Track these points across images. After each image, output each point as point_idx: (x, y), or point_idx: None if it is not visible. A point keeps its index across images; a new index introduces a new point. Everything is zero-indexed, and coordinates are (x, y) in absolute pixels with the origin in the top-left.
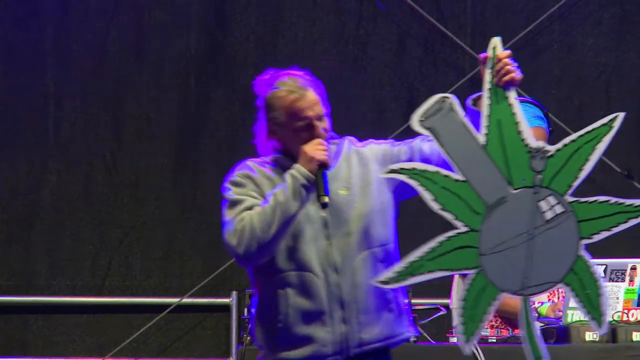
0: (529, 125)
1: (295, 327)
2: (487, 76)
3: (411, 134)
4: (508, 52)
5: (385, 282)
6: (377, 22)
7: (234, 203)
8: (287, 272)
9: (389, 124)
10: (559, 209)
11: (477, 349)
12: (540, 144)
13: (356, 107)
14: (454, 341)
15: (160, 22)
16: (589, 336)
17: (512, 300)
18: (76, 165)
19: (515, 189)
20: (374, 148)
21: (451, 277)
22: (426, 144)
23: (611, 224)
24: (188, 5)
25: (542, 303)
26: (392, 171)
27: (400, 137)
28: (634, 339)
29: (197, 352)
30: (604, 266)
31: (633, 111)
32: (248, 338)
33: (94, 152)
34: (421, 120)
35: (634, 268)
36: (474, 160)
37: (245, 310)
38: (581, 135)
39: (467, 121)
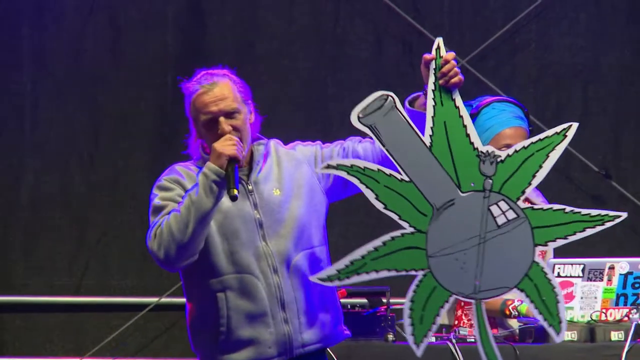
0: (509, 125)
1: (238, 330)
2: (431, 77)
3: None
4: (453, 53)
5: (326, 279)
6: (354, 22)
7: (157, 209)
8: (226, 275)
9: None
10: (511, 214)
11: (455, 349)
12: (490, 148)
13: (333, 107)
14: (432, 341)
15: (136, 21)
16: (568, 335)
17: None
18: (53, 164)
19: (464, 192)
20: (303, 150)
21: None
22: (359, 146)
23: (567, 232)
24: (164, 4)
25: (522, 302)
26: (329, 167)
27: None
28: (612, 338)
29: (175, 352)
30: (582, 265)
31: (610, 111)
32: None
33: (71, 152)
34: (359, 117)
35: (611, 268)
36: (419, 160)
37: None
38: (533, 143)
39: (410, 120)
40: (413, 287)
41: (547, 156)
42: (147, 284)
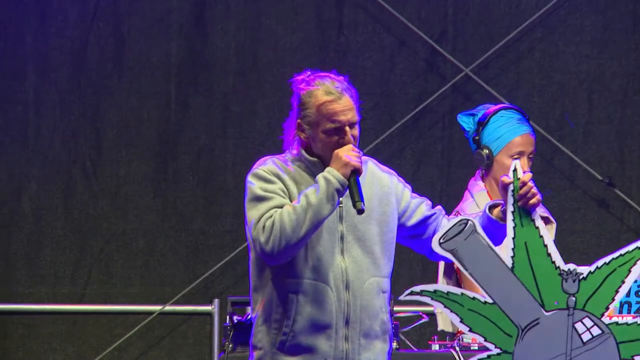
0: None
1: (301, 335)
2: (510, 199)
3: (392, 139)
4: (530, 174)
5: (417, 293)
6: (357, 30)
7: (261, 199)
8: (303, 279)
9: (369, 132)
10: (596, 330)
11: (459, 356)
12: (572, 266)
13: None
14: (436, 349)
15: (139, 30)
16: None
17: None
18: (56, 173)
19: (548, 311)
20: (397, 184)
21: (435, 280)
22: (426, 212)
23: None
24: (167, 13)
25: None
26: (413, 293)
27: (382, 145)
28: None
29: None
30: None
31: (615, 119)
32: (230, 346)
33: (74, 161)
34: (441, 242)
35: None
36: (501, 282)
37: (227, 318)
38: (615, 258)
39: (492, 244)
40: None
41: (630, 271)
42: (150, 292)
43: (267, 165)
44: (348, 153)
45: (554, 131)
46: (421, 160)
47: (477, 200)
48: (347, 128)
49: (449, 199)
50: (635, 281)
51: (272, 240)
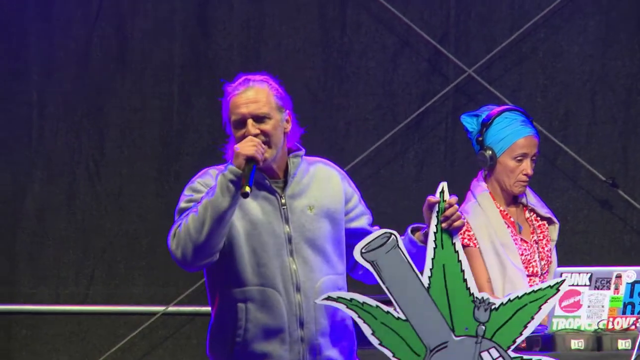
0: (523, 135)
1: (254, 343)
2: (434, 219)
3: (395, 140)
4: (456, 197)
5: (333, 299)
6: (360, 31)
7: (181, 210)
8: (249, 286)
9: (372, 133)
10: None
11: None
12: (485, 295)
13: (339, 116)
14: None
15: (142, 31)
16: (575, 344)
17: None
18: (59, 174)
19: (457, 336)
20: (347, 186)
21: None
22: (364, 225)
23: None
24: (170, 13)
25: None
26: (330, 298)
27: (385, 146)
28: (619, 347)
29: None
30: (589, 274)
31: (619, 119)
32: None
33: (77, 161)
34: (362, 252)
35: (619, 276)
36: (416, 300)
37: None
38: (527, 294)
39: (411, 261)
40: None
41: (540, 308)
42: (154, 292)
43: (203, 177)
44: (242, 144)
45: (557, 131)
46: (424, 161)
47: (479, 201)
48: (249, 121)
49: None
50: (639, 281)
51: (181, 245)
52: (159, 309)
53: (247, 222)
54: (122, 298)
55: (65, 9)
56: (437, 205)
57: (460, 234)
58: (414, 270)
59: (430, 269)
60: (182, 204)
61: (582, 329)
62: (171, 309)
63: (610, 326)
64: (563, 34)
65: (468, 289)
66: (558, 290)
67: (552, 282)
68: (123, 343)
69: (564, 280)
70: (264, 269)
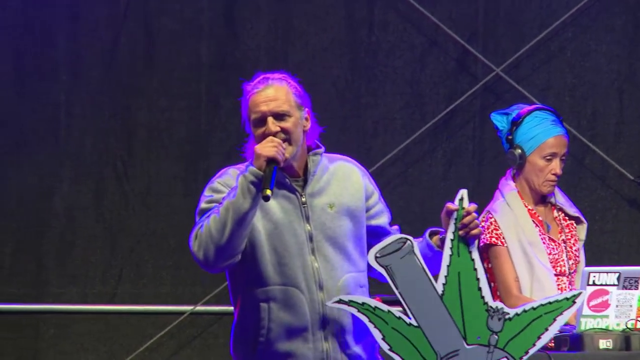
0: (553, 134)
1: (277, 342)
2: (451, 226)
3: (423, 139)
4: (475, 205)
5: (344, 302)
6: (388, 30)
7: (202, 211)
8: (271, 286)
9: (400, 132)
10: None
11: None
12: (499, 304)
13: (367, 115)
14: None
15: (170, 31)
16: (603, 344)
17: None
18: (87, 174)
19: (469, 345)
20: (368, 183)
21: None
22: (384, 224)
23: None
24: (198, 13)
25: None
26: (341, 302)
27: (413, 145)
28: None
29: None
30: (617, 274)
31: None
32: None
33: (105, 161)
34: (377, 257)
35: None
36: (429, 307)
37: None
38: (542, 305)
39: (426, 267)
40: None
41: (554, 320)
42: (181, 292)
43: (222, 177)
44: (262, 145)
45: (585, 131)
46: (452, 160)
47: (508, 200)
48: (269, 119)
49: (480, 198)
50: None
51: (202, 246)
52: (187, 308)
53: (267, 222)
54: (150, 298)
55: (93, 10)
56: (456, 212)
57: (488, 232)
58: (428, 277)
59: (445, 276)
60: (203, 205)
61: (610, 328)
62: (199, 308)
63: (638, 326)
64: (591, 33)
65: (482, 297)
66: (574, 302)
67: (569, 294)
68: (150, 343)
69: (580, 293)
70: (286, 268)
